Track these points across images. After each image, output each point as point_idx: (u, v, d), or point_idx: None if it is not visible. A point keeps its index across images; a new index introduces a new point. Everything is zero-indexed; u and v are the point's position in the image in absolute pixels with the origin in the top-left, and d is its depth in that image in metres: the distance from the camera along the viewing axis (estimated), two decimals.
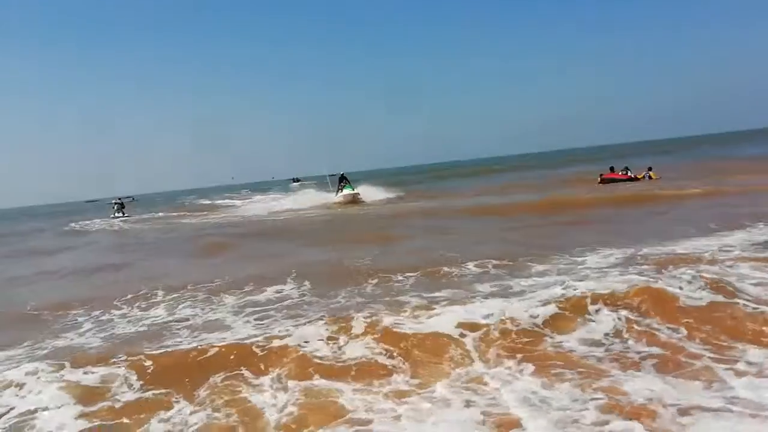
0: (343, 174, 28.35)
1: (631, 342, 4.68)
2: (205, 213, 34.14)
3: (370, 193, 28.01)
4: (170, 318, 7.04)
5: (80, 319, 7.54)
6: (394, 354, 4.82)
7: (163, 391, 4.53)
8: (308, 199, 30.08)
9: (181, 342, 5.74)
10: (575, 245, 8.97)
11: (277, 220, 22.30)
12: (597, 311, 5.23)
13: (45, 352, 6.04)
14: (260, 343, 5.17)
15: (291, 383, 4.45)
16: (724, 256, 6.97)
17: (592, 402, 3.70)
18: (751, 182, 16.96)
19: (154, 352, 5.33)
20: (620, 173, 23.20)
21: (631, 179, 22.55)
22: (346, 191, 26.78)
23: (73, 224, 34.35)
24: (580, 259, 8.01)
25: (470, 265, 8.29)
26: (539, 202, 17.79)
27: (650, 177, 22.49)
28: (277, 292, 7.87)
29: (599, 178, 23.41)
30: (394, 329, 5.20)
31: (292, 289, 8.00)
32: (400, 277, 7.97)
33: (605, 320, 5.06)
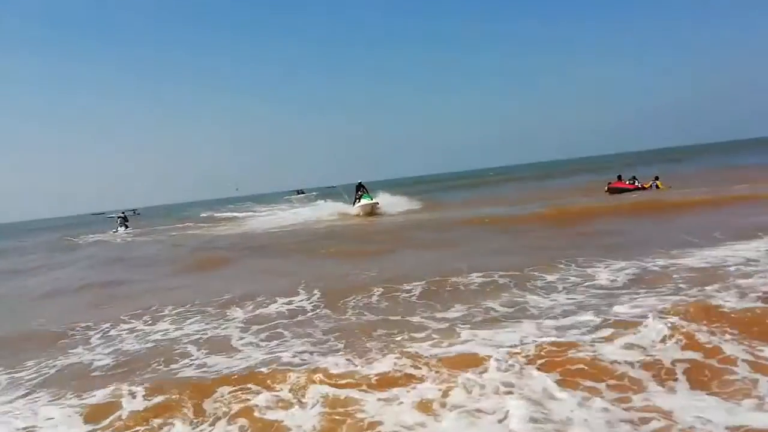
0: (360, 182, 26.04)
1: (681, 364, 4.24)
2: (211, 225, 34.03)
3: (386, 201, 26.08)
4: (179, 333, 6.92)
5: (89, 333, 7.46)
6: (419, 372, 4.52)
7: (172, 405, 4.37)
8: (319, 211, 28.17)
9: (190, 363, 5.59)
10: (590, 257, 8.84)
11: (287, 233, 22.13)
12: (643, 331, 4.72)
13: (53, 371, 5.95)
14: (272, 368, 4.91)
15: (310, 399, 4.25)
16: (753, 268, 6.75)
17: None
18: (760, 190, 16.75)
19: (162, 376, 5.20)
20: (627, 182, 23.07)
21: (638, 189, 22.41)
22: (364, 201, 24.64)
23: (76, 239, 34.23)
24: (590, 270, 7.89)
25: (476, 277, 8.16)
26: (547, 212, 17.54)
27: (657, 186, 22.36)
28: (287, 306, 7.74)
29: (607, 187, 23.31)
30: (417, 357, 4.78)
31: (302, 302, 7.88)
32: (408, 287, 7.90)
33: (652, 339, 4.59)
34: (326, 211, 27.71)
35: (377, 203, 24.63)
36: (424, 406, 3.95)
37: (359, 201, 24.92)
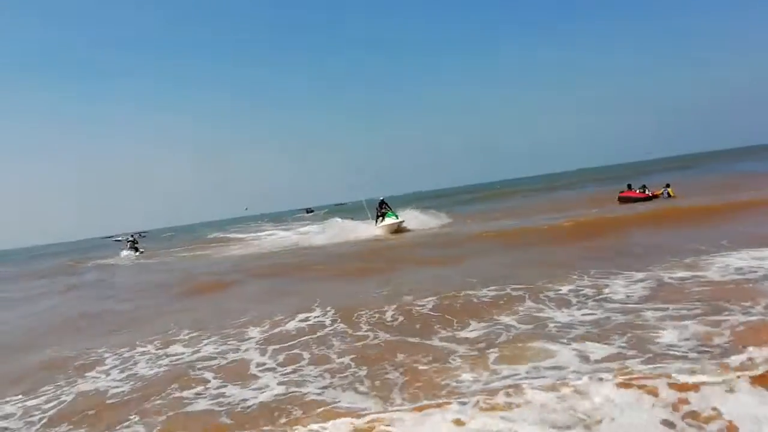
0: (382, 199, 24.31)
1: None
2: (220, 246, 34.16)
3: (411, 217, 24.75)
4: (196, 357, 6.85)
5: (105, 358, 7.39)
6: None
7: None
8: (336, 231, 25.91)
9: (205, 394, 5.45)
10: (611, 269, 8.73)
11: (296, 253, 22.02)
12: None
13: (69, 398, 5.90)
14: (293, 417, 4.54)
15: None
16: None
17: None
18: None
19: (176, 407, 5.10)
20: (637, 191, 22.94)
21: (648, 197, 22.25)
22: (389, 220, 23.01)
23: (85, 264, 34.39)
24: (611, 284, 7.76)
25: (490, 292, 8.06)
26: (561, 224, 17.32)
27: (669, 194, 22.17)
28: (304, 326, 7.66)
29: (618, 197, 23.28)
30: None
31: (317, 322, 7.79)
32: (421, 302, 7.75)
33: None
34: (349, 230, 25.42)
35: (402, 221, 23.24)
36: None
37: (382, 219, 23.51)
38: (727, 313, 5.57)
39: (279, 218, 77.49)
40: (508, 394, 4.02)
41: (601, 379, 4.00)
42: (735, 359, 4.16)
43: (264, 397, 5.08)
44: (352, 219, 28.03)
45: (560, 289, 7.68)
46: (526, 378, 4.51)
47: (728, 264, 7.85)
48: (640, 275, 7.96)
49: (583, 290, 7.50)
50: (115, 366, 6.96)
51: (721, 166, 48.47)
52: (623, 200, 22.87)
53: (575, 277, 8.34)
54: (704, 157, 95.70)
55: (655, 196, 22.27)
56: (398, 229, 22.78)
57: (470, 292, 8.19)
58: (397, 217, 23.31)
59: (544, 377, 4.42)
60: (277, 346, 6.79)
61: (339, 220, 29.84)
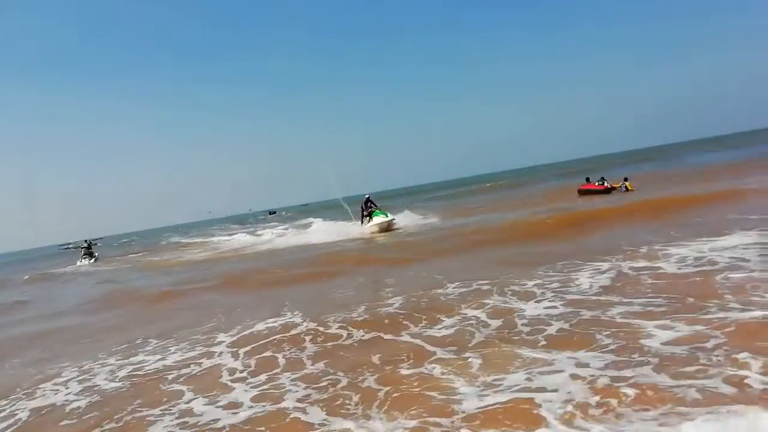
0: (368, 197, 23.29)
1: None
2: (181, 251, 33.35)
3: (407, 219, 23.88)
4: (162, 365, 6.61)
5: (66, 372, 7.07)
6: None
7: None
8: (317, 232, 24.28)
9: (171, 410, 5.17)
10: (581, 260, 8.86)
11: (259, 255, 21.64)
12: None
13: (25, 415, 5.61)
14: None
15: None
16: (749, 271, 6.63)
17: None
18: (722, 187, 17.21)
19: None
20: (596, 184, 23.53)
21: (607, 189, 22.81)
22: (378, 218, 21.81)
23: (40, 273, 33.02)
24: (573, 275, 7.90)
25: (457, 289, 8.09)
26: (531, 219, 17.56)
27: (626, 188, 22.73)
28: (274, 331, 7.49)
29: (578, 191, 23.87)
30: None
31: (286, 325, 7.64)
32: (391, 301, 7.73)
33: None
34: (333, 232, 23.94)
35: (393, 219, 22.12)
36: None
37: (370, 219, 22.35)
38: (702, 311, 5.40)
39: (242, 220, 76.19)
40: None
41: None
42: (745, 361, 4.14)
43: (236, 419, 4.66)
44: (321, 219, 27.71)
45: (526, 284, 7.80)
46: (521, 392, 4.22)
47: (686, 255, 8.03)
48: (606, 266, 8.17)
49: (551, 284, 7.62)
50: (74, 378, 6.69)
51: (679, 159, 50.29)
52: (583, 193, 23.45)
53: (541, 272, 8.43)
54: (665, 149, 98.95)
55: (613, 188, 22.85)
56: (388, 227, 21.71)
57: (438, 291, 8.25)
58: (386, 215, 22.16)
59: (541, 391, 4.16)
60: (248, 348, 6.69)
61: (313, 220, 29.36)
